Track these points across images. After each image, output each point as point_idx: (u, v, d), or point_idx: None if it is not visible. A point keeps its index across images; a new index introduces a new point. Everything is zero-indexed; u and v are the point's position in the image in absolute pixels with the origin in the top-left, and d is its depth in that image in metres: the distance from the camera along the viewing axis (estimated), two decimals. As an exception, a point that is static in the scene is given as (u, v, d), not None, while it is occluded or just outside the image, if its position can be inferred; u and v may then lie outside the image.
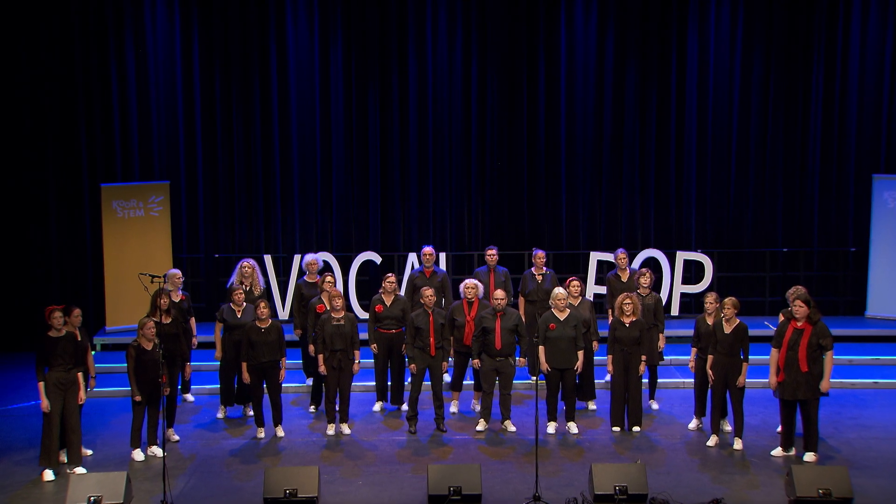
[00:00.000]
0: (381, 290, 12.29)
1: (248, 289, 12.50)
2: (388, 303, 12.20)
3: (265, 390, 11.62)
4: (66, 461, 10.60)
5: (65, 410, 10.47)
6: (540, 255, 13.22)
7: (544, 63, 16.30)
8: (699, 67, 16.27)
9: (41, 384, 10.40)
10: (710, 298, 11.47)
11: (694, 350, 11.60)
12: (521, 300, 13.23)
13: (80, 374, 10.56)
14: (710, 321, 11.37)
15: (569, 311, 11.54)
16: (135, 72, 15.83)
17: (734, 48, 16.23)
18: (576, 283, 12.07)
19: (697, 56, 16.25)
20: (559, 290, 11.62)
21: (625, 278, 12.99)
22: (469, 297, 12.00)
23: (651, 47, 16.25)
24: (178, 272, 12.56)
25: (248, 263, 12.72)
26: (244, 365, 11.47)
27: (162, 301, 11.38)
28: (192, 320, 12.67)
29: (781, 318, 11.34)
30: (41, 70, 15.61)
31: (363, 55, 16.17)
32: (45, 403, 10.40)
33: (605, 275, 13.60)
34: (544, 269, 13.20)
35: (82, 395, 10.58)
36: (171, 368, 11.24)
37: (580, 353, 11.54)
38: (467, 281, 12.19)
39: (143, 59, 15.81)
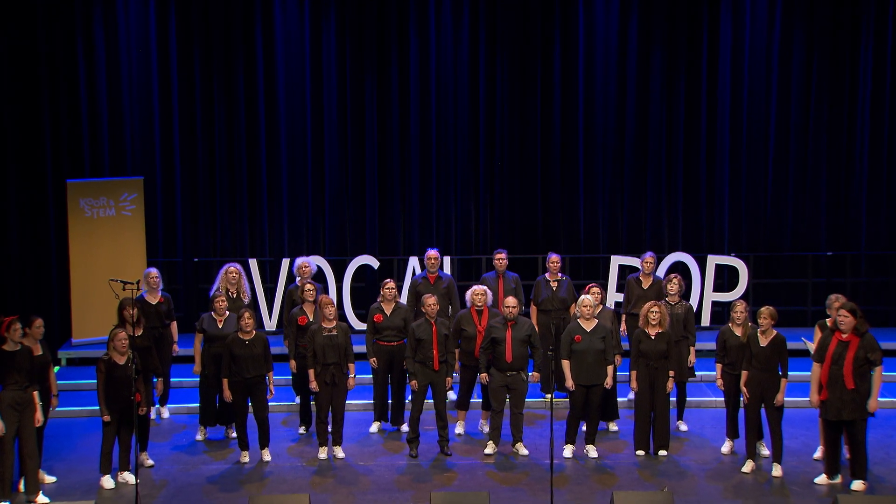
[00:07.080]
0: (379, 299, 12.27)
1: (234, 296, 12.48)
2: (387, 312, 12.17)
3: (249, 409, 11.58)
4: (23, 490, 10.51)
5: (20, 434, 10.33)
6: (554, 259, 13.19)
7: (560, 47, 16.28)
8: (732, 52, 16.24)
9: None
10: (740, 308, 11.43)
11: (719, 366, 11.56)
12: (534, 309, 13.21)
13: (35, 394, 10.42)
14: (738, 332, 11.32)
15: (596, 321, 11.53)
16: (105, 54, 15.81)
17: (772, 30, 16.19)
18: (596, 289, 12.05)
19: (731, 39, 16.21)
20: (586, 298, 11.60)
21: (646, 285, 12.98)
22: (478, 304, 12.01)
23: (679, 30, 16.23)
24: (154, 271, 12.66)
25: (233, 269, 12.68)
26: (225, 382, 11.44)
27: (127, 312, 11.09)
28: (174, 325, 12.70)
29: (817, 330, 11.30)
30: None
31: (359, 39, 16.15)
32: None
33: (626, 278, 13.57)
34: (559, 275, 13.19)
35: (39, 416, 10.45)
36: (146, 385, 11.18)
37: (609, 368, 11.52)
38: (475, 287, 12.20)
39: (115, 40, 15.78)
